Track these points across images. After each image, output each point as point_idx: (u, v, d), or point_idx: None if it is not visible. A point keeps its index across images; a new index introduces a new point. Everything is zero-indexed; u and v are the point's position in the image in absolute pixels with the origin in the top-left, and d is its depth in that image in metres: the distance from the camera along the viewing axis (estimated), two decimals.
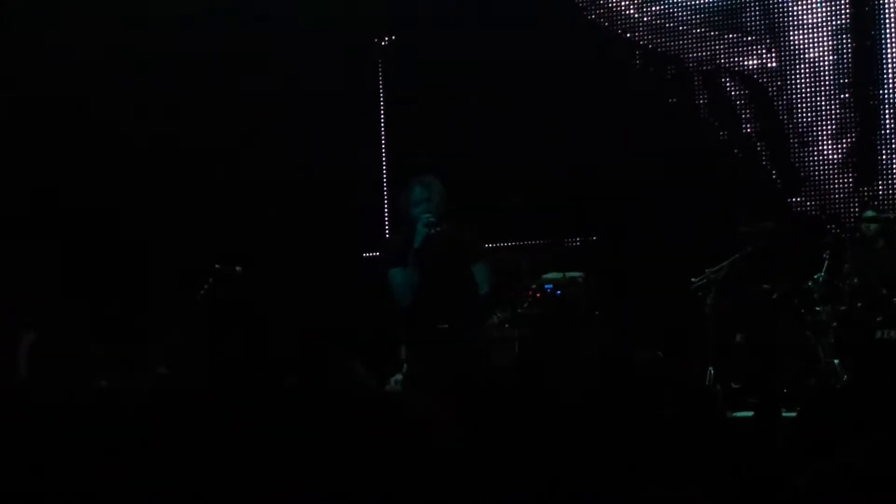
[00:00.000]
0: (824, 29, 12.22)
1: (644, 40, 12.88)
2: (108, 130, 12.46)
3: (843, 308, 10.31)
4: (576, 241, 12.75)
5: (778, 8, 12.41)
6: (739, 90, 12.60)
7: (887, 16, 12.02)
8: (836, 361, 10.09)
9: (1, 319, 10.33)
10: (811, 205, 12.28)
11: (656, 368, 9.93)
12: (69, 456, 5.04)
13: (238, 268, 10.47)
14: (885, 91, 12.04)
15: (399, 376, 8.80)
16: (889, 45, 12.01)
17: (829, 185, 12.24)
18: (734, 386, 10.27)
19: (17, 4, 12.51)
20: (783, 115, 12.41)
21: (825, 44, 12.24)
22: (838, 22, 12.18)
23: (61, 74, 12.19)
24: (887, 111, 12.04)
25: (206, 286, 10.23)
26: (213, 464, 5.06)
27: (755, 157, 12.47)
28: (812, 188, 12.29)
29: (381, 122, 13.51)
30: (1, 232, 11.85)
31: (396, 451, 5.38)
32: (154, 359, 8.99)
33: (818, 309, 10.35)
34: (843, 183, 12.19)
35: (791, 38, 12.38)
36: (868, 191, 12.01)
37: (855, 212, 11.83)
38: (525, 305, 10.52)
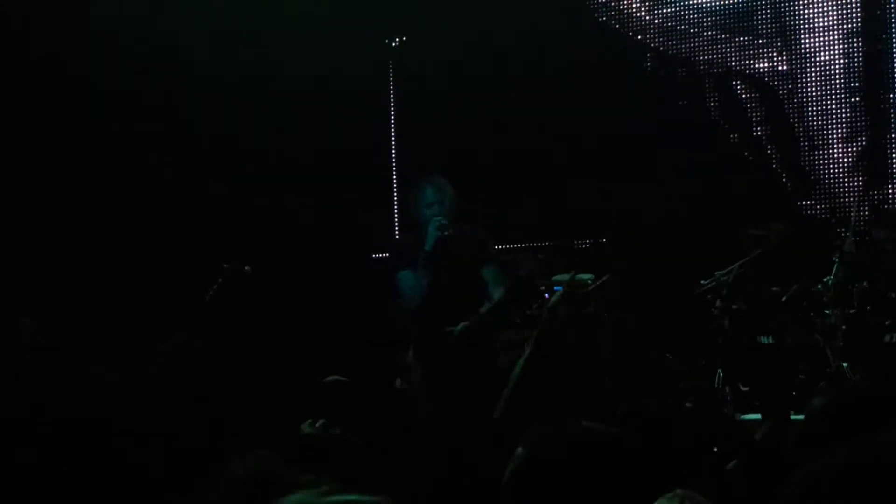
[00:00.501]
0: (835, 32, 12.21)
1: (655, 43, 12.88)
2: (111, 128, 12.46)
3: (852, 311, 10.29)
4: (585, 244, 12.76)
5: (789, 11, 12.40)
6: (750, 93, 12.59)
7: None
8: (845, 365, 10.07)
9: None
10: (821, 208, 12.27)
11: (665, 370, 9.93)
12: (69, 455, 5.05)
13: (247, 268, 10.48)
14: None
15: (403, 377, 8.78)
16: None
17: (840, 188, 12.23)
18: (743, 388, 10.26)
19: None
20: (793, 118, 12.40)
21: (836, 47, 12.23)
22: (849, 25, 12.17)
23: (63, 71, 12.19)
24: None
25: (214, 286, 10.23)
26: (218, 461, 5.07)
27: (765, 160, 12.46)
28: (822, 191, 12.28)
29: (391, 123, 13.51)
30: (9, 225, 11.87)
31: (406, 449, 5.40)
32: (161, 358, 8.98)
33: (827, 312, 10.33)
34: (854, 186, 12.18)
35: (802, 41, 12.37)
36: (878, 194, 12.00)
37: (865, 215, 11.81)
38: (535, 307, 10.51)
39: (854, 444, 2.96)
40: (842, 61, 12.23)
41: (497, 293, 8.13)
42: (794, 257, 10.86)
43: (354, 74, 12.89)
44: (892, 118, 12.06)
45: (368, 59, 13.24)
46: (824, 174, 12.28)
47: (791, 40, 12.42)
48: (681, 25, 12.80)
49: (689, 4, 12.75)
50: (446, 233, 7.74)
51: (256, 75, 12.68)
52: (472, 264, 7.91)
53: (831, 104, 12.27)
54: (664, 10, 12.86)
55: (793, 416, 9.08)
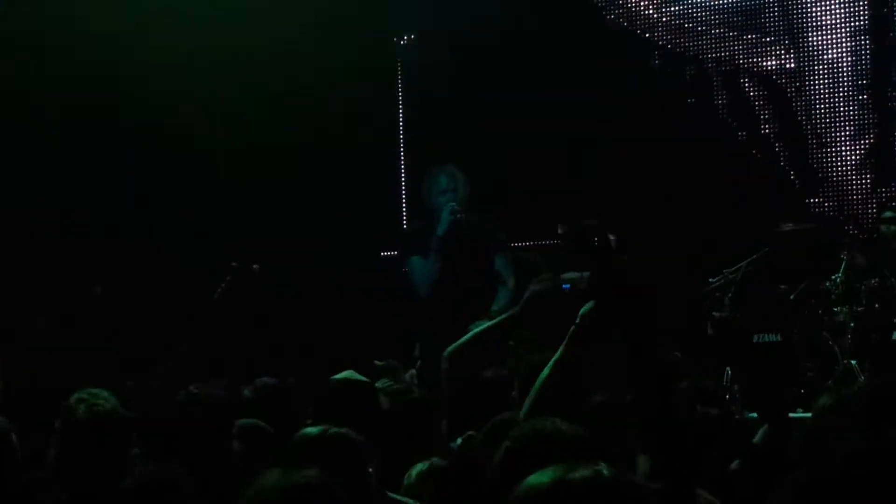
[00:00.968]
0: (843, 30, 12.21)
1: (663, 41, 12.89)
2: (124, 126, 12.50)
3: (860, 309, 10.30)
4: (594, 241, 12.72)
5: (797, 9, 12.40)
6: (758, 91, 12.60)
7: None
8: (853, 362, 10.08)
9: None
10: (829, 205, 12.27)
11: (674, 368, 9.93)
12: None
13: (255, 266, 10.51)
14: None
15: (414, 371, 8.80)
16: None
17: (847, 185, 12.23)
18: (750, 387, 10.26)
19: None
20: (801, 115, 12.41)
21: (844, 45, 12.23)
22: (857, 23, 12.17)
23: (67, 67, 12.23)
24: None
25: (223, 284, 10.26)
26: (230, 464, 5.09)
27: (773, 158, 12.47)
28: (830, 189, 12.29)
29: (399, 122, 13.53)
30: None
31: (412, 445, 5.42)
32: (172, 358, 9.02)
33: (836, 309, 10.34)
34: (861, 183, 12.18)
35: (810, 38, 12.38)
36: (886, 191, 12.01)
37: (873, 212, 11.82)
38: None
39: (854, 444, 2.98)
40: (849, 59, 12.24)
41: (510, 283, 8.10)
42: (802, 255, 10.87)
43: (364, 73, 12.92)
44: None
45: (377, 55, 13.25)
46: (832, 172, 12.28)
47: (799, 38, 12.42)
48: (689, 23, 12.80)
49: (696, 2, 12.76)
50: (459, 216, 7.73)
51: (264, 71, 12.70)
52: (485, 251, 7.91)
53: (839, 102, 12.27)
54: (672, 8, 12.87)
55: (796, 415, 9.12)
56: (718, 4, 12.69)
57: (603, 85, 12.42)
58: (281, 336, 11.19)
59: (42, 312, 11.10)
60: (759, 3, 12.54)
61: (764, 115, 12.56)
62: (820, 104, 12.33)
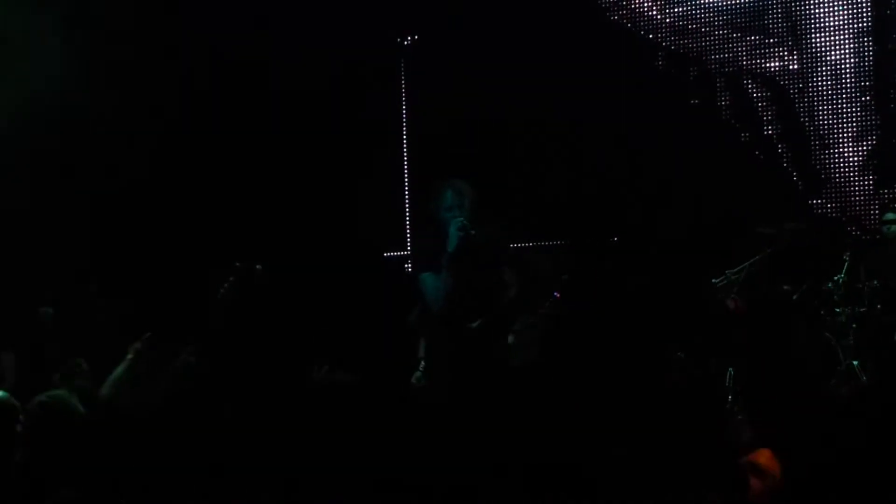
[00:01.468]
0: (846, 31, 12.23)
1: (667, 42, 12.90)
2: (126, 126, 12.53)
3: (862, 310, 10.31)
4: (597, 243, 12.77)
5: (800, 10, 12.42)
6: (761, 92, 12.62)
7: None
8: (855, 363, 10.10)
9: None
10: (832, 206, 12.29)
11: (677, 369, 9.98)
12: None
13: (258, 266, 10.52)
14: None
15: (419, 373, 8.82)
16: None
17: (850, 187, 12.25)
18: (752, 387, 10.27)
19: None
20: (804, 117, 12.43)
21: (847, 46, 12.25)
22: (860, 25, 12.20)
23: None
24: None
25: (226, 284, 10.28)
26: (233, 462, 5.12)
27: (776, 159, 12.49)
28: (833, 190, 12.30)
29: (403, 121, 13.54)
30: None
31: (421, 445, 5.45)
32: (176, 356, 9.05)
33: (838, 310, 10.36)
34: (864, 185, 12.20)
35: (813, 40, 12.40)
36: (888, 193, 12.02)
37: (875, 213, 11.83)
38: (546, 306, 10.54)
39: None
40: (852, 60, 12.25)
41: (512, 292, 8.15)
42: (805, 256, 10.89)
43: (368, 73, 12.94)
44: None
45: (381, 55, 13.27)
46: (835, 173, 12.30)
47: (802, 39, 12.44)
48: (692, 24, 12.82)
49: (700, 3, 12.78)
50: (470, 233, 7.75)
51: (271, 73, 12.72)
52: (494, 265, 7.94)
53: (842, 103, 12.29)
54: (676, 9, 12.89)
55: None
56: (722, 6, 12.71)
57: (606, 86, 12.45)
58: (284, 336, 11.21)
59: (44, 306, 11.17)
60: (763, 5, 12.55)
61: (767, 116, 12.57)
62: (823, 106, 12.35)
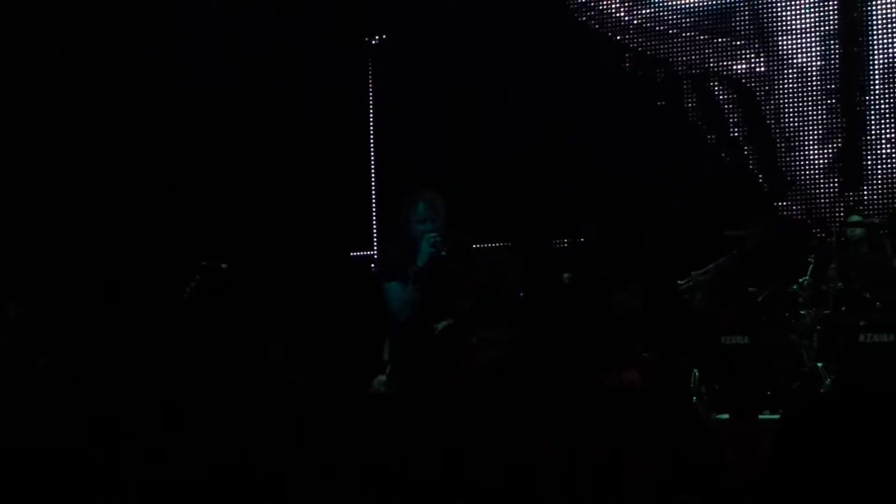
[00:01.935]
0: (812, 34, 12.29)
1: (634, 43, 12.93)
2: (93, 126, 12.48)
3: (827, 312, 10.35)
4: (563, 243, 12.79)
5: (767, 13, 12.47)
6: (728, 94, 12.66)
7: (875, 22, 12.09)
8: (819, 365, 10.13)
9: None
10: (797, 209, 12.35)
11: (643, 369, 9.98)
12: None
13: (224, 265, 10.49)
14: (871, 97, 12.12)
15: (382, 377, 8.79)
16: (876, 52, 12.08)
17: (815, 189, 12.31)
18: (717, 388, 10.31)
19: None
20: (770, 119, 12.48)
21: (813, 49, 12.31)
22: (826, 28, 12.25)
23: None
24: (873, 117, 12.11)
25: (193, 283, 10.25)
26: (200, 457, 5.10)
27: (742, 161, 12.53)
28: (798, 192, 12.36)
29: (370, 121, 13.53)
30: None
31: (389, 450, 5.43)
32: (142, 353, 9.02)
33: (803, 312, 10.40)
34: (829, 187, 12.26)
35: (779, 42, 12.45)
36: (853, 195, 12.08)
37: (840, 216, 11.89)
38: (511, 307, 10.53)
39: None
40: (819, 63, 12.31)
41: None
42: (770, 258, 10.93)
43: (335, 72, 12.92)
44: (867, 120, 12.14)
45: (348, 57, 13.26)
46: (801, 175, 12.36)
47: (769, 42, 12.49)
48: (660, 26, 12.85)
49: (668, 5, 12.81)
50: (443, 252, 7.71)
51: (235, 72, 12.69)
52: (461, 274, 7.91)
53: (808, 106, 12.34)
54: (643, 11, 12.92)
55: (763, 416, 9.18)
56: (689, 8, 12.74)
57: (574, 87, 12.47)
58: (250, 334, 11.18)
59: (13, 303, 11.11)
60: (730, 7, 12.60)
61: (733, 118, 12.62)
62: (789, 108, 12.40)
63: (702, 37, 12.73)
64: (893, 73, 12.03)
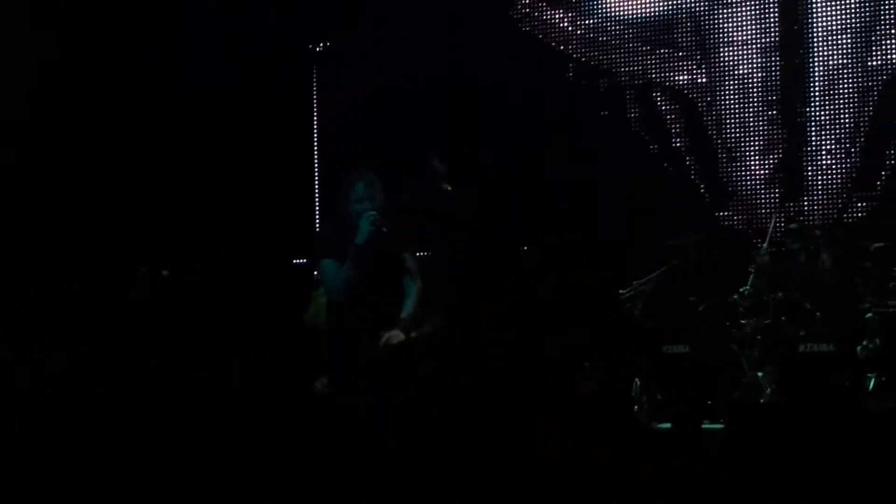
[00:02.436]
0: (754, 46, 12.38)
1: (577, 53, 12.98)
2: (33, 129, 12.40)
3: (767, 322, 10.41)
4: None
5: (709, 25, 12.55)
6: (670, 105, 12.73)
7: (816, 34, 12.20)
8: (760, 374, 10.19)
9: None
10: (738, 219, 12.43)
11: (584, 378, 10.02)
12: None
13: (165, 272, 10.45)
14: (812, 108, 12.22)
15: (325, 379, 8.77)
16: (817, 64, 12.19)
17: (756, 199, 12.39)
18: (659, 397, 10.35)
19: None
20: (712, 130, 12.56)
21: (755, 61, 12.40)
22: (768, 40, 12.35)
23: None
24: (813, 128, 12.21)
25: (133, 289, 10.20)
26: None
27: (684, 171, 12.60)
28: (739, 202, 12.44)
29: (313, 129, 13.50)
30: None
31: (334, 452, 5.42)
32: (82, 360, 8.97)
33: (743, 322, 10.44)
34: (770, 198, 12.35)
35: (721, 54, 12.53)
36: (794, 206, 12.17)
37: (781, 226, 11.97)
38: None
39: None
40: (760, 75, 12.40)
41: (418, 282, 8.11)
42: (711, 268, 10.98)
43: (279, 79, 12.90)
44: (807, 131, 12.24)
45: (292, 63, 13.23)
46: (742, 186, 12.44)
47: (711, 53, 12.57)
48: (603, 37, 12.91)
49: (611, 17, 12.86)
50: (383, 229, 7.71)
51: (178, 75, 12.65)
52: (397, 257, 7.92)
53: (749, 117, 12.43)
54: (587, 22, 12.97)
55: (705, 426, 9.23)
56: (632, 19, 12.80)
57: (516, 97, 12.49)
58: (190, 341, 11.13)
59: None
60: (673, 19, 12.67)
61: (675, 128, 12.68)
62: (730, 119, 12.48)
63: (644, 48, 12.79)
64: (833, 84, 12.14)
